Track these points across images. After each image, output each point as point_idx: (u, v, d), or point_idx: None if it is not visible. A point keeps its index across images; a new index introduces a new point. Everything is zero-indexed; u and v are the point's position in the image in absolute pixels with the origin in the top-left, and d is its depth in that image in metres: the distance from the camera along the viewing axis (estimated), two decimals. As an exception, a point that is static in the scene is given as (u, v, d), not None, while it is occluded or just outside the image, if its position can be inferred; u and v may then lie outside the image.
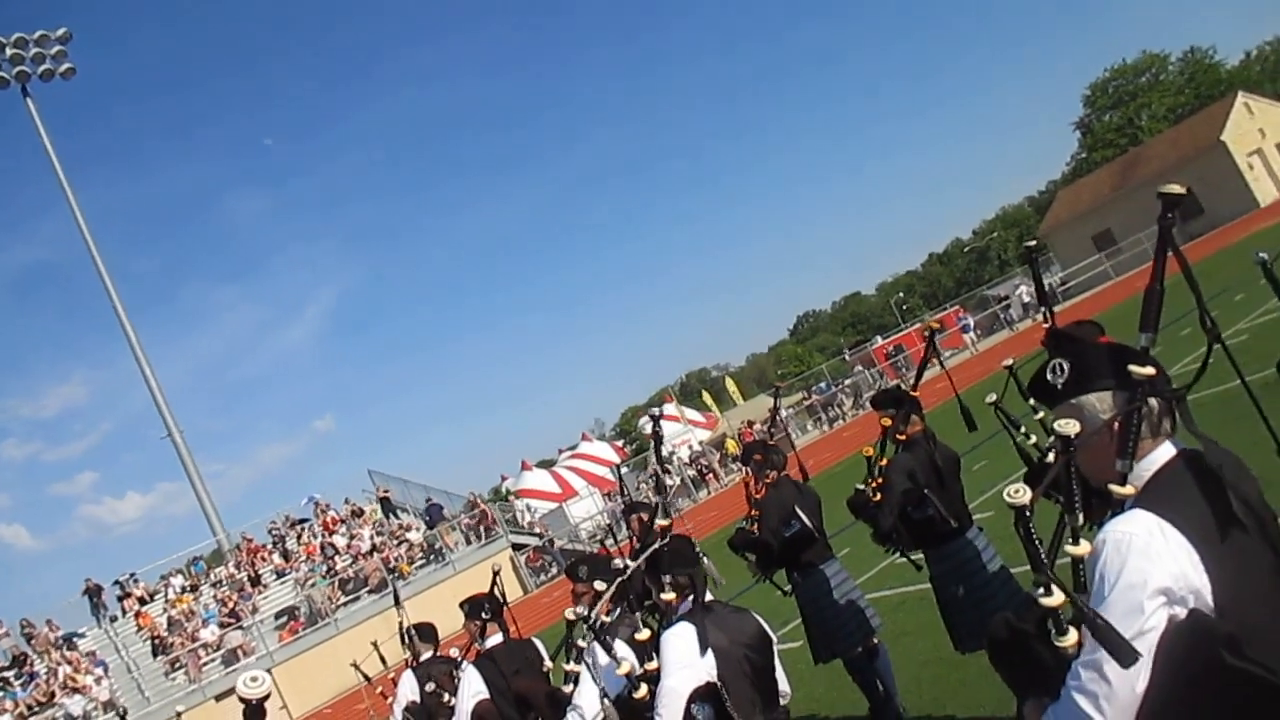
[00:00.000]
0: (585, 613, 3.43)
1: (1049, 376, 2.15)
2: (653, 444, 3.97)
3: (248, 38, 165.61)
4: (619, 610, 3.67)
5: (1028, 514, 1.80)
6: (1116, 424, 2.02)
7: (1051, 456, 4.02)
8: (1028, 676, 1.99)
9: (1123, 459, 1.99)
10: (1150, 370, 1.98)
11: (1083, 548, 1.84)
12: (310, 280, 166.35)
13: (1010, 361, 4.35)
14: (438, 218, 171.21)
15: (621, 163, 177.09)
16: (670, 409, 51.74)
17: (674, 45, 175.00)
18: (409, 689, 5.98)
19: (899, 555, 5.38)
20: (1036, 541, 1.79)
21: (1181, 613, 1.79)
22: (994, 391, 4.39)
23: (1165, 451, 2.01)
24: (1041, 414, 4.12)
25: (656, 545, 3.36)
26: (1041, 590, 1.78)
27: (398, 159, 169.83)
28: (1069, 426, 1.91)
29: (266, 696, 2.25)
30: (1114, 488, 1.97)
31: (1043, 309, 4.05)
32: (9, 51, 34.84)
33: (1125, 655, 1.69)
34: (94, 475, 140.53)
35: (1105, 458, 2.02)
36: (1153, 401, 2.01)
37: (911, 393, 5.21)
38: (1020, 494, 1.79)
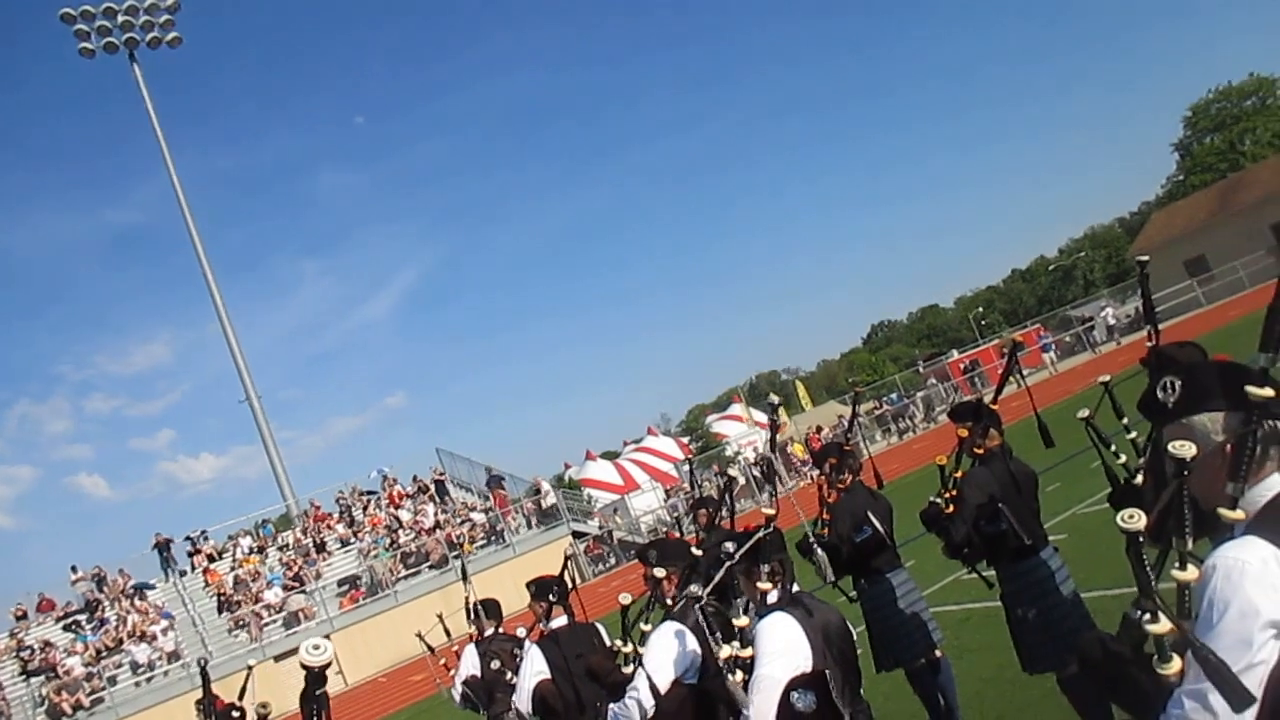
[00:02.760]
0: (699, 592, 3.46)
1: (1159, 394, 2.08)
2: (769, 432, 3.98)
3: (345, 16, 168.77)
4: (684, 598, 3.69)
5: (1140, 539, 1.74)
6: (1229, 446, 1.95)
7: (1138, 479, 3.96)
8: (1120, 700, 1.94)
9: (1235, 482, 1.91)
10: (1268, 392, 1.90)
11: (1191, 573, 1.78)
12: (391, 259, 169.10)
13: (1107, 377, 4.25)
14: (519, 205, 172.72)
15: (705, 162, 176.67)
16: (737, 409, 51.57)
17: (764, 48, 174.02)
18: (470, 663, 6.07)
19: (970, 570, 5.30)
20: (1147, 567, 1.73)
21: None
22: (1080, 408, 4.30)
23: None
24: (1135, 434, 4.02)
25: (761, 533, 3.35)
26: (1148, 616, 1.73)
27: (484, 145, 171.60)
28: (1185, 449, 1.84)
29: (328, 664, 2.29)
30: (1224, 511, 1.90)
31: (1148, 327, 3.93)
32: (120, 19, 36.06)
33: (1238, 698, 1.64)
34: (172, 433, 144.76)
35: (1216, 480, 1.95)
36: (1269, 425, 1.93)
37: (991, 406, 5.12)
38: (1134, 519, 1.73)
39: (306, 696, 2.37)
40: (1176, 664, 1.74)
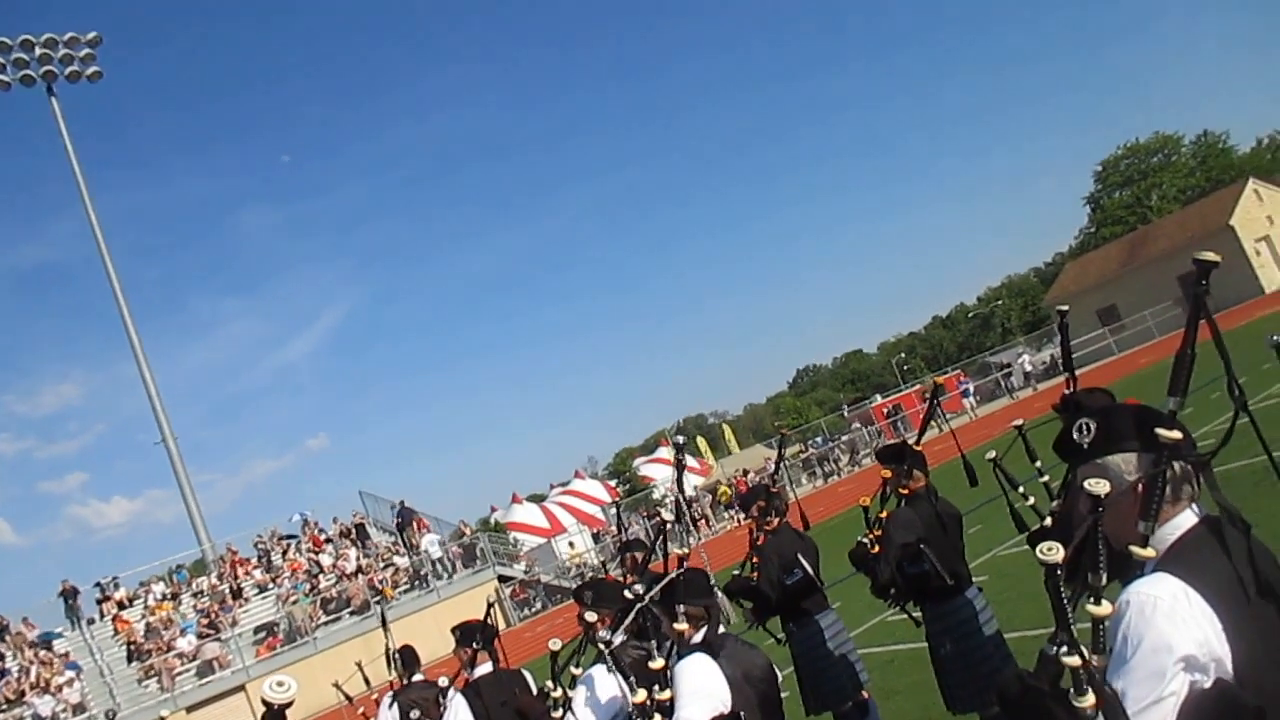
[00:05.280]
0: (608, 637, 3.43)
1: (1075, 435, 2.15)
2: (676, 471, 3.98)
3: (271, 56, 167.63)
4: (625, 637, 3.67)
5: (1059, 572, 1.79)
6: (1141, 486, 2.02)
7: (1048, 520, 4.06)
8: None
9: (1145, 521, 1.98)
10: (1177, 434, 1.98)
11: (1105, 608, 1.83)
12: (314, 299, 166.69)
13: (1020, 422, 4.36)
14: (444, 246, 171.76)
15: (631, 205, 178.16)
16: (664, 452, 51.69)
17: (686, 93, 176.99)
18: (388, 716, 5.91)
19: (898, 609, 5.36)
20: (1065, 600, 1.78)
21: (1202, 680, 1.78)
22: (994, 452, 4.39)
23: (1189, 517, 2.01)
24: (1047, 477, 4.12)
25: (673, 575, 3.34)
26: (1064, 649, 1.78)
27: (410, 186, 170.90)
28: (1099, 486, 1.90)
29: (290, 703, 2.24)
30: (1135, 549, 1.97)
31: (1067, 374, 4.06)
32: (38, 51, 35.16)
33: None
34: (83, 476, 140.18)
35: (1128, 519, 2.02)
36: (1178, 465, 2.01)
37: (916, 448, 5.21)
38: (1053, 551, 1.78)
39: None
40: (1092, 697, 1.79)
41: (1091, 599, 1.84)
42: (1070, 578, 1.97)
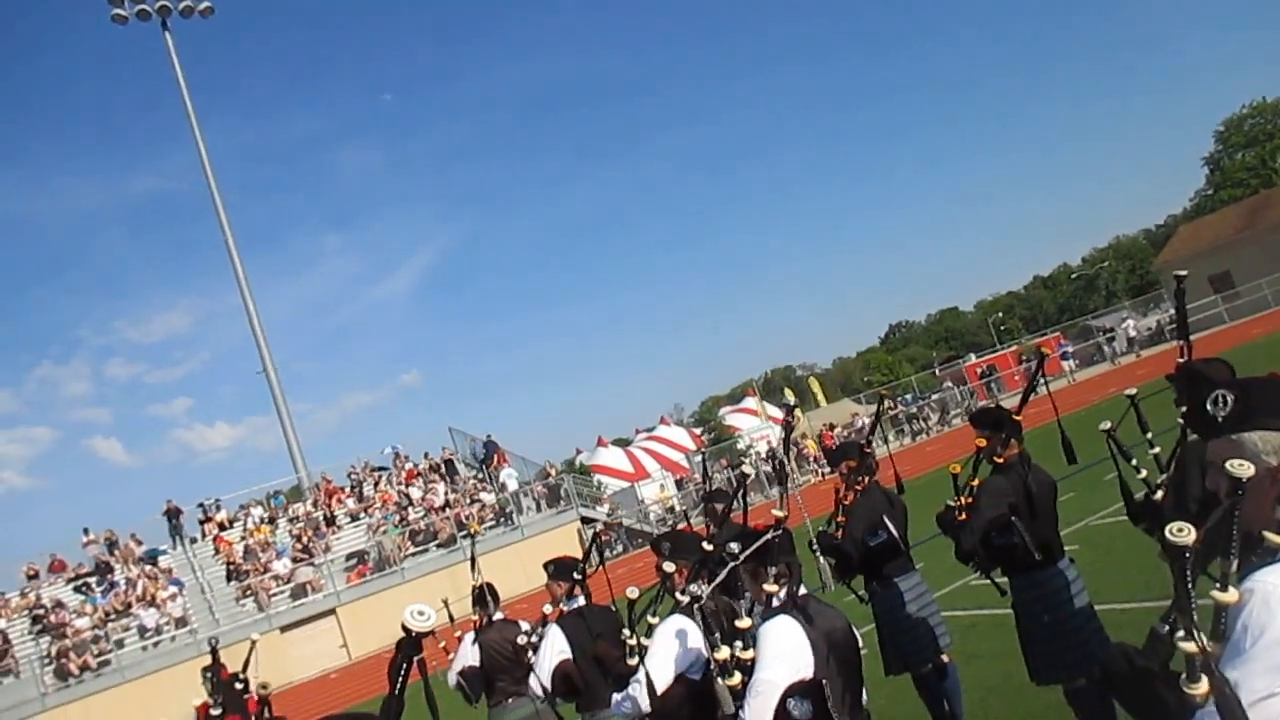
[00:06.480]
0: (699, 592, 3.44)
1: (1209, 407, 2.03)
2: (784, 432, 3.93)
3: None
4: (707, 591, 3.67)
5: (1187, 555, 1.70)
6: None
7: (1159, 494, 3.91)
8: (1141, 715, 1.91)
9: None
10: None
11: (1231, 595, 1.74)
12: (412, 237, 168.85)
13: (1133, 391, 4.20)
14: (539, 189, 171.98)
15: (727, 154, 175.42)
16: (751, 403, 51.53)
17: (790, 42, 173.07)
18: (468, 654, 6.01)
19: (982, 576, 5.25)
20: (1189, 584, 1.70)
21: None
22: (1098, 419, 4.24)
23: None
24: (1158, 449, 3.97)
25: (769, 536, 3.31)
26: (1180, 633, 1.69)
27: (510, 127, 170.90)
28: (1244, 469, 1.79)
29: (429, 633, 2.26)
30: (1270, 535, 1.86)
31: (1181, 341, 3.88)
32: (154, -15, 36.07)
33: None
34: (189, 401, 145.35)
35: (1263, 502, 1.90)
36: None
37: (1015, 416, 5.06)
38: (1184, 533, 1.69)
39: (399, 664, 2.31)
40: (1204, 685, 1.70)
41: (1218, 584, 1.74)
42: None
